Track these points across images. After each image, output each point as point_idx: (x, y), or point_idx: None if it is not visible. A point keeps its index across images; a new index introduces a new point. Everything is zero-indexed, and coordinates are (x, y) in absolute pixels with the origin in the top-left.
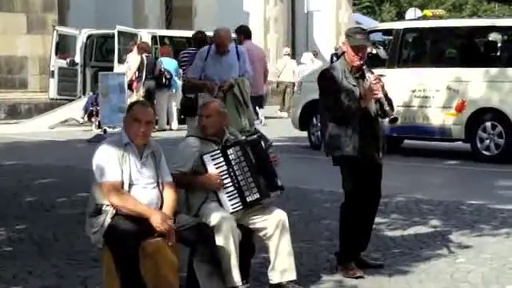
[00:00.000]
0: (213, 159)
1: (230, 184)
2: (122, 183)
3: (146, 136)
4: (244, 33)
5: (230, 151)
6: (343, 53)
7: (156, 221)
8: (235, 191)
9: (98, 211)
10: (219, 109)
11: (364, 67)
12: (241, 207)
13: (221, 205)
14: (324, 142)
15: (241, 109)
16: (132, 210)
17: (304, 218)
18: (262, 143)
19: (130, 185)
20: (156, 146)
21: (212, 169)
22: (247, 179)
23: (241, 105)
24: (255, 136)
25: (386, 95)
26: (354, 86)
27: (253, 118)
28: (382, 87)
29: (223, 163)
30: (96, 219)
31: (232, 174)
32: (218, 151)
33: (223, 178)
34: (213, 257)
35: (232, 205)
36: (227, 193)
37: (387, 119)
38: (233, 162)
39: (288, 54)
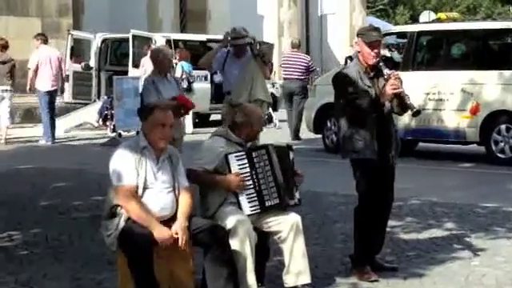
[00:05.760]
0: (237, 159)
1: (252, 187)
2: (138, 187)
3: (168, 139)
4: (41, 38)
5: (254, 154)
6: (357, 53)
7: (158, 236)
8: (255, 194)
9: (113, 214)
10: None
11: (380, 64)
12: (259, 210)
13: (239, 206)
14: (340, 144)
15: (256, 78)
16: (141, 219)
17: (318, 221)
18: (291, 154)
19: (145, 188)
20: (173, 150)
21: (235, 169)
22: (269, 183)
23: (261, 74)
24: (284, 143)
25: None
26: (369, 87)
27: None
28: (401, 83)
29: (247, 165)
30: (110, 221)
31: (254, 176)
32: (243, 152)
33: (245, 179)
34: (224, 260)
35: (250, 207)
36: (247, 195)
37: (410, 112)
38: (256, 165)
39: None
